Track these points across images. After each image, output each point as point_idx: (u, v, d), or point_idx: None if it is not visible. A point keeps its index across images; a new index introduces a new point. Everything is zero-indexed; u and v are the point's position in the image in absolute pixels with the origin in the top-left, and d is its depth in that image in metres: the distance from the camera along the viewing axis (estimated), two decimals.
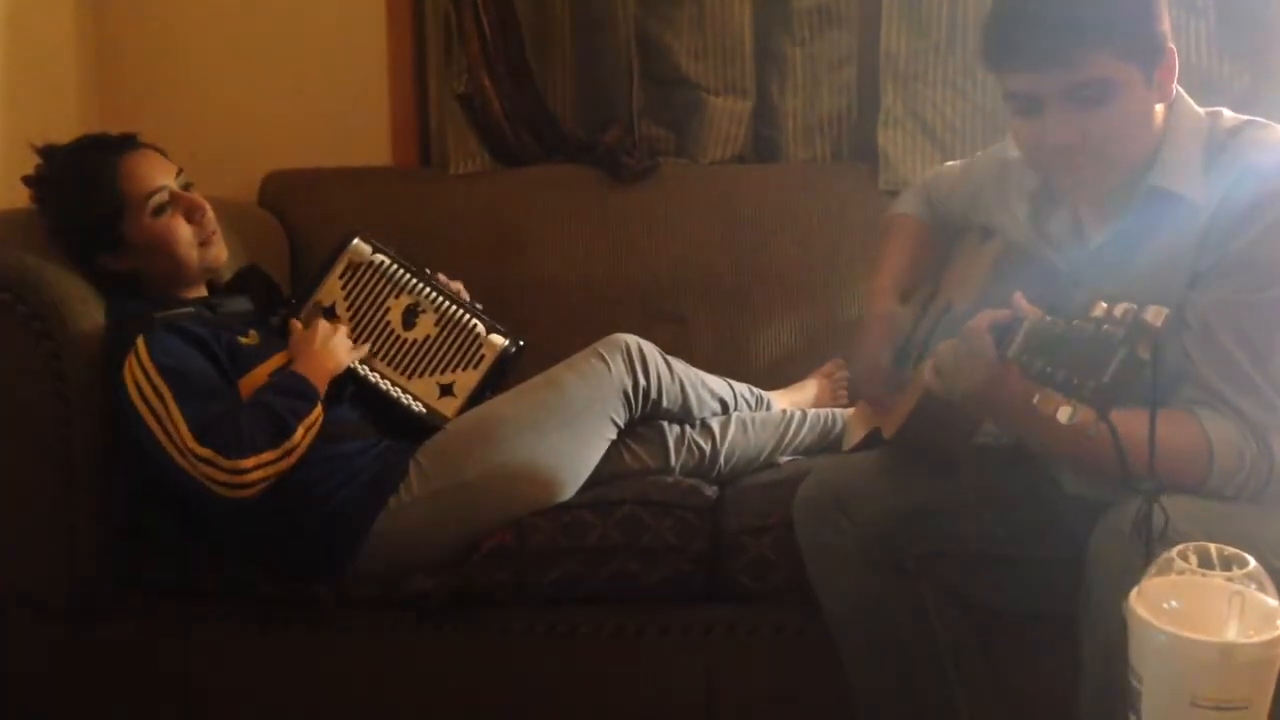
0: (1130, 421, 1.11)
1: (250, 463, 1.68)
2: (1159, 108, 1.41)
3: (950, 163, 1.89)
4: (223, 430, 1.69)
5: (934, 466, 1.59)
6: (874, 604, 1.57)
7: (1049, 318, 1.15)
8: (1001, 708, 1.61)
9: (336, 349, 1.90)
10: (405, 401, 1.97)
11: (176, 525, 1.84)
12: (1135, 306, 1.03)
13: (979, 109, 2.42)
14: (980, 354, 1.27)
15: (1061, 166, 1.42)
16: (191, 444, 1.68)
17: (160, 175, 1.88)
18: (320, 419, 1.78)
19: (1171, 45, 1.39)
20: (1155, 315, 1.02)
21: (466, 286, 2.11)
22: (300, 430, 1.73)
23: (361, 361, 1.96)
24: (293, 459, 1.73)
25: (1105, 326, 1.04)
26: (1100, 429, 1.06)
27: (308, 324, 1.95)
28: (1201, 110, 1.45)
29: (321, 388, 1.81)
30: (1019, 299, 1.26)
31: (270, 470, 1.70)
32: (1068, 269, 1.50)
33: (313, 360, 1.85)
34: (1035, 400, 1.09)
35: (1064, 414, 1.06)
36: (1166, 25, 1.39)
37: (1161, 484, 1.17)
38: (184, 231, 1.88)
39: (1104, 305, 1.06)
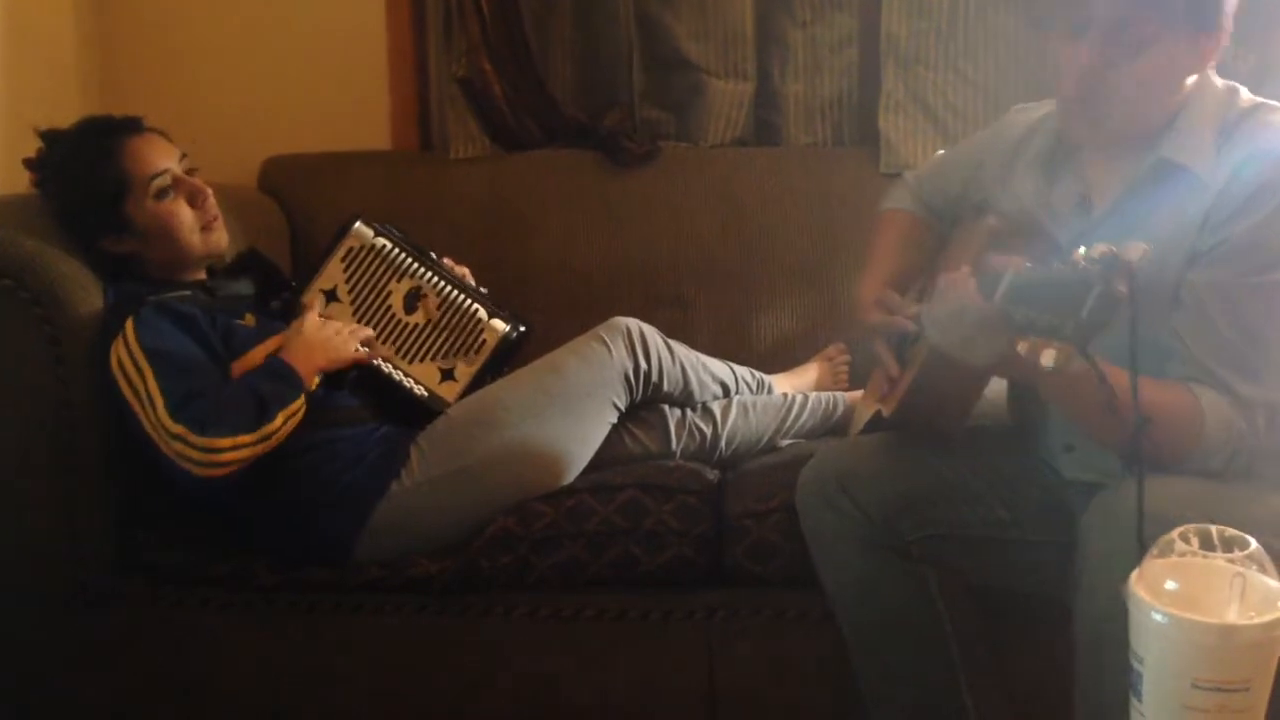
0: (1121, 378, 1.10)
1: (225, 443, 1.67)
2: (1189, 80, 1.41)
3: (940, 151, 1.89)
4: (198, 407, 1.68)
5: (936, 450, 1.59)
6: (876, 586, 1.57)
7: (1029, 265, 1.14)
8: (1004, 689, 1.61)
9: (334, 344, 1.87)
10: (407, 386, 1.96)
11: (178, 512, 1.84)
12: (1114, 247, 1.03)
13: (980, 91, 2.41)
14: (964, 299, 1.26)
15: (1079, 102, 1.42)
16: (165, 420, 1.67)
17: (163, 158, 1.88)
18: (302, 410, 1.76)
19: (1228, 26, 1.39)
20: (1133, 251, 1.02)
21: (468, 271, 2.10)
22: (280, 418, 1.72)
23: (363, 344, 1.95)
24: (269, 445, 1.71)
25: (1082, 266, 1.03)
26: (1083, 368, 1.05)
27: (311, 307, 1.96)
28: (1221, 85, 1.45)
29: (309, 380, 1.80)
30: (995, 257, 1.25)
31: (245, 453, 1.69)
32: (1067, 243, 1.49)
33: (304, 350, 1.83)
34: (1019, 348, 1.08)
35: (1048, 358, 1.05)
36: (1232, 5, 1.39)
37: (1157, 448, 1.16)
38: (186, 216, 1.88)
39: (1084, 249, 1.05)
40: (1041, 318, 1.06)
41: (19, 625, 1.83)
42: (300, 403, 1.76)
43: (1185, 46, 1.38)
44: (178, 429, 1.67)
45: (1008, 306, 1.13)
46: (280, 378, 1.76)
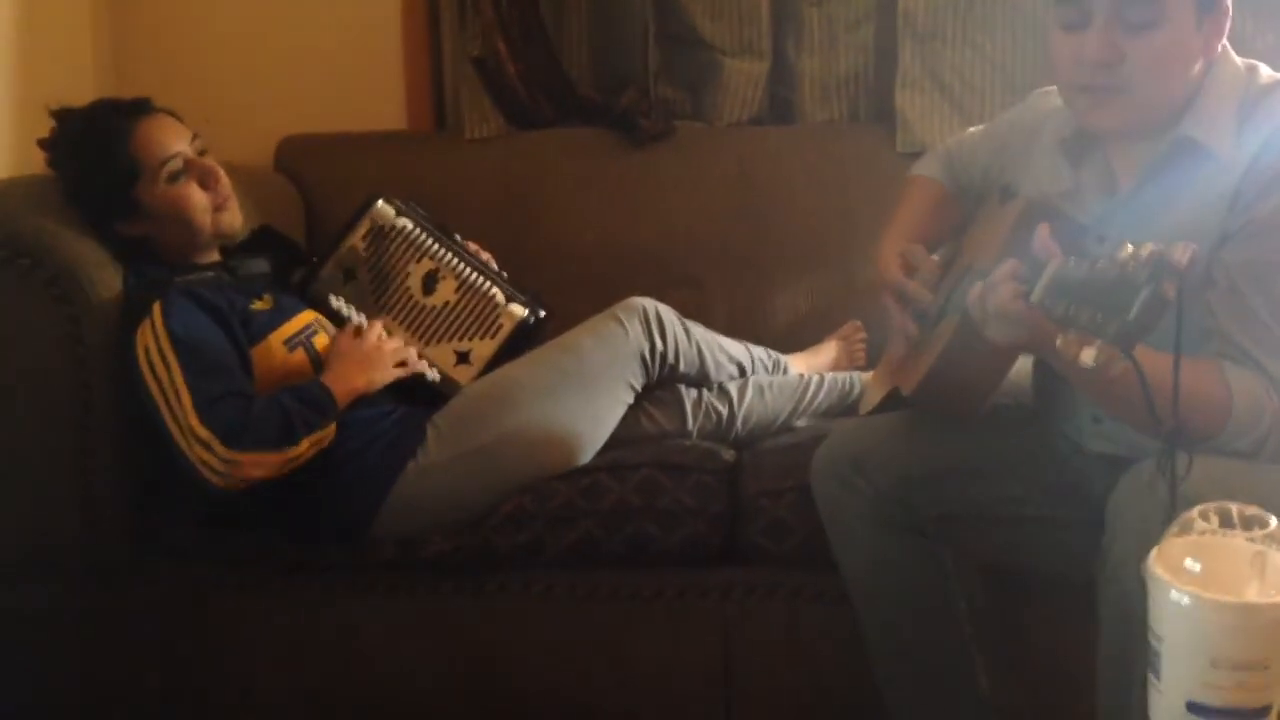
0: (1155, 364, 1.10)
1: (248, 458, 1.67)
2: (1199, 62, 1.40)
3: (972, 129, 1.87)
4: (229, 414, 1.67)
5: (951, 428, 1.59)
6: (891, 566, 1.57)
7: (1072, 260, 1.13)
8: (1019, 669, 1.61)
9: (374, 364, 1.86)
10: (421, 368, 1.96)
11: (197, 490, 1.85)
12: (1161, 247, 1.02)
13: (998, 68, 2.39)
14: (1005, 305, 1.25)
15: (1093, 93, 1.40)
16: (193, 421, 1.66)
17: (174, 141, 1.87)
18: (330, 436, 1.75)
19: (1229, 4, 1.38)
20: (1181, 253, 1.00)
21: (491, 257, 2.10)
22: (306, 443, 1.71)
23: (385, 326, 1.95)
24: (290, 468, 1.70)
25: (1130, 266, 1.02)
26: (1125, 368, 1.04)
27: (329, 285, 1.95)
28: (1241, 63, 1.43)
29: (343, 403, 1.78)
30: (1043, 232, 1.23)
31: (264, 471, 1.68)
32: (1093, 225, 1.48)
33: (344, 372, 1.82)
34: (1058, 344, 1.07)
35: (1088, 355, 1.04)
36: None
37: (1183, 429, 1.16)
38: (198, 198, 1.87)
39: (1130, 247, 1.04)
40: (1083, 315, 1.04)
41: (37, 604, 1.84)
42: (329, 430, 1.75)
43: (1189, 28, 1.36)
44: (205, 433, 1.66)
45: (1048, 300, 1.12)
46: (313, 403, 1.74)
